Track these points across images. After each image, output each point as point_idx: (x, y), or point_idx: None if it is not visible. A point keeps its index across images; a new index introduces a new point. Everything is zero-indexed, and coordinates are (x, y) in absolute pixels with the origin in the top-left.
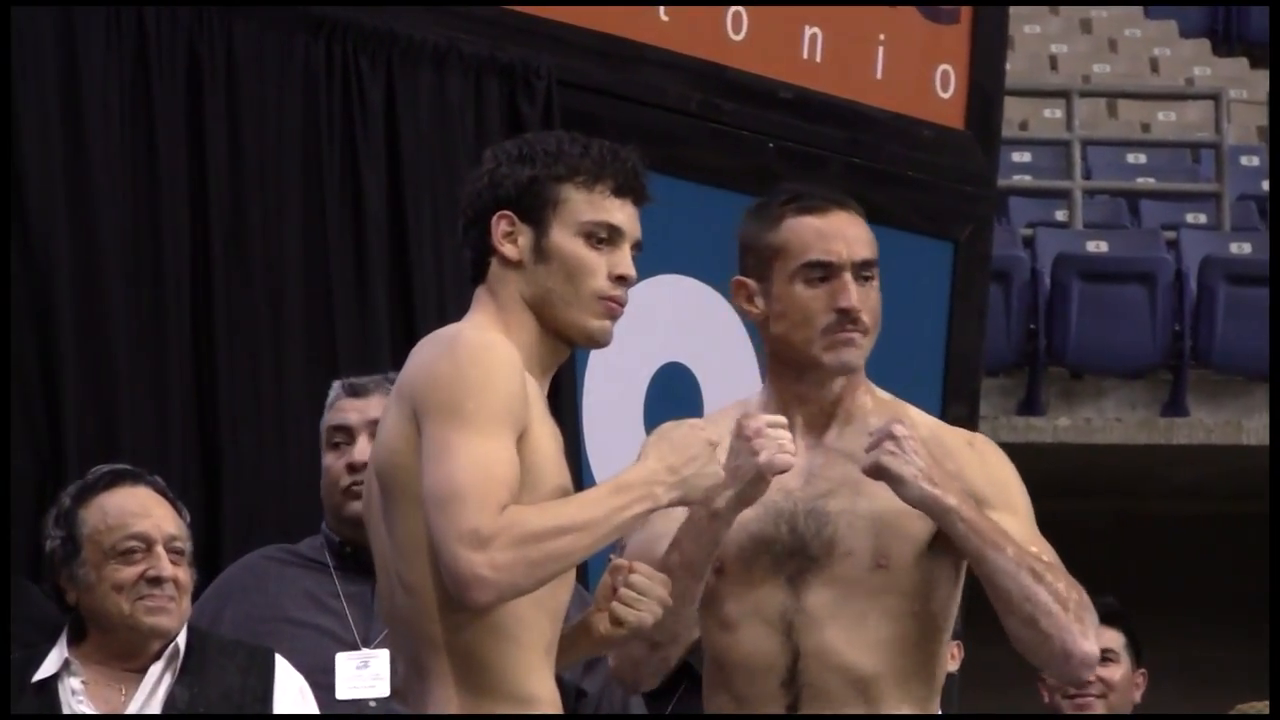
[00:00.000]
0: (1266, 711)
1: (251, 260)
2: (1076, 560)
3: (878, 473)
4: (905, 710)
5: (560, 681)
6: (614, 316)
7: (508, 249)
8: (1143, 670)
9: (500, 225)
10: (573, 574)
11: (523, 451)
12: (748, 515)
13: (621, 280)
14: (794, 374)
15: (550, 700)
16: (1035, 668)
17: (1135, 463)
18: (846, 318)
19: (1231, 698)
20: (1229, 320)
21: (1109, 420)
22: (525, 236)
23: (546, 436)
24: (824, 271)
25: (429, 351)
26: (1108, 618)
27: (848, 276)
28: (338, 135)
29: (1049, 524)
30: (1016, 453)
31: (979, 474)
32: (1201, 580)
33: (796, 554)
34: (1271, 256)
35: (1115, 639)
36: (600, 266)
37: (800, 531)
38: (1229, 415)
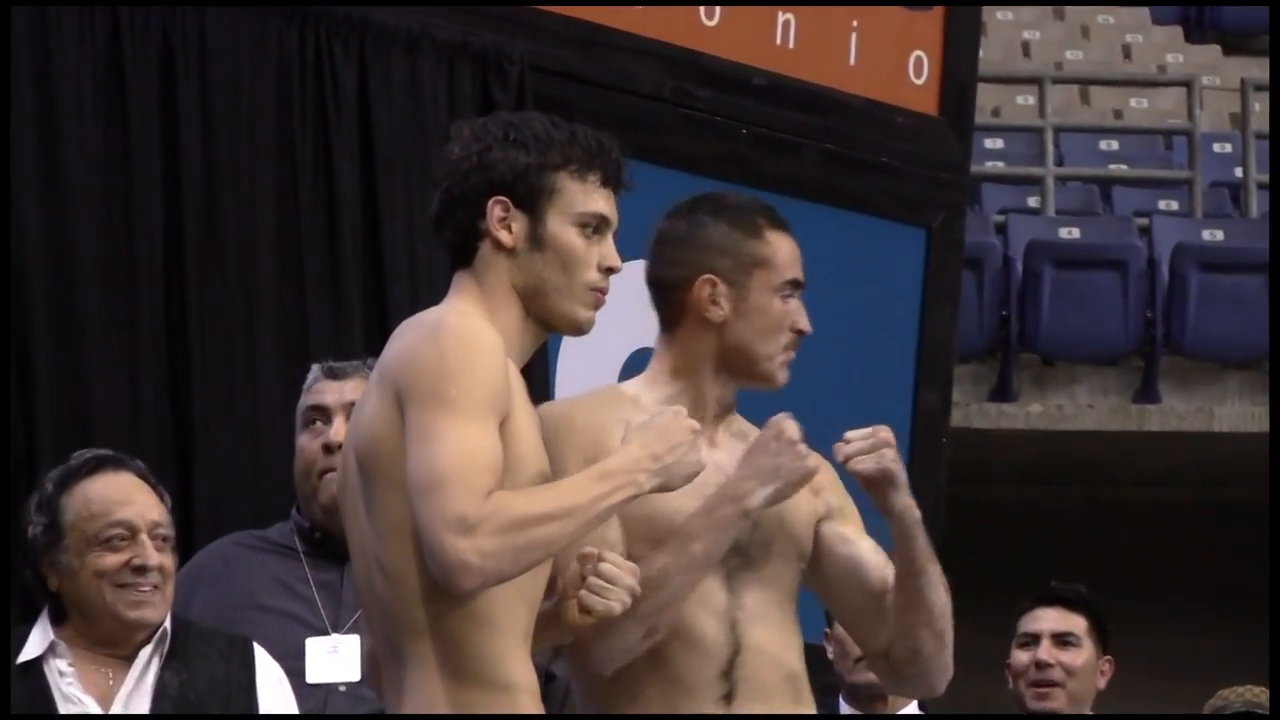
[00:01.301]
0: (1248, 697)
1: (224, 246)
2: (1048, 546)
3: (882, 477)
4: (811, 707)
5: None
6: (599, 306)
7: (503, 235)
8: (1109, 658)
9: (495, 210)
10: (550, 562)
11: (505, 438)
12: (690, 509)
13: (610, 272)
14: (725, 376)
15: (528, 686)
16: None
17: (1107, 449)
18: (799, 339)
19: (1203, 684)
20: (1201, 307)
21: (1081, 407)
22: (520, 224)
23: (527, 423)
24: (794, 291)
25: (412, 336)
26: (1073, 603)
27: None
28: (311, 122)
29: (1021, 511)
30: (989, 439)
31: (832, 483)
32: (1173, 567)
33: (737, 552)
34: (1271, 246)
35: (1079, 624)
36: (593, 258)
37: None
38: (1201, 402)
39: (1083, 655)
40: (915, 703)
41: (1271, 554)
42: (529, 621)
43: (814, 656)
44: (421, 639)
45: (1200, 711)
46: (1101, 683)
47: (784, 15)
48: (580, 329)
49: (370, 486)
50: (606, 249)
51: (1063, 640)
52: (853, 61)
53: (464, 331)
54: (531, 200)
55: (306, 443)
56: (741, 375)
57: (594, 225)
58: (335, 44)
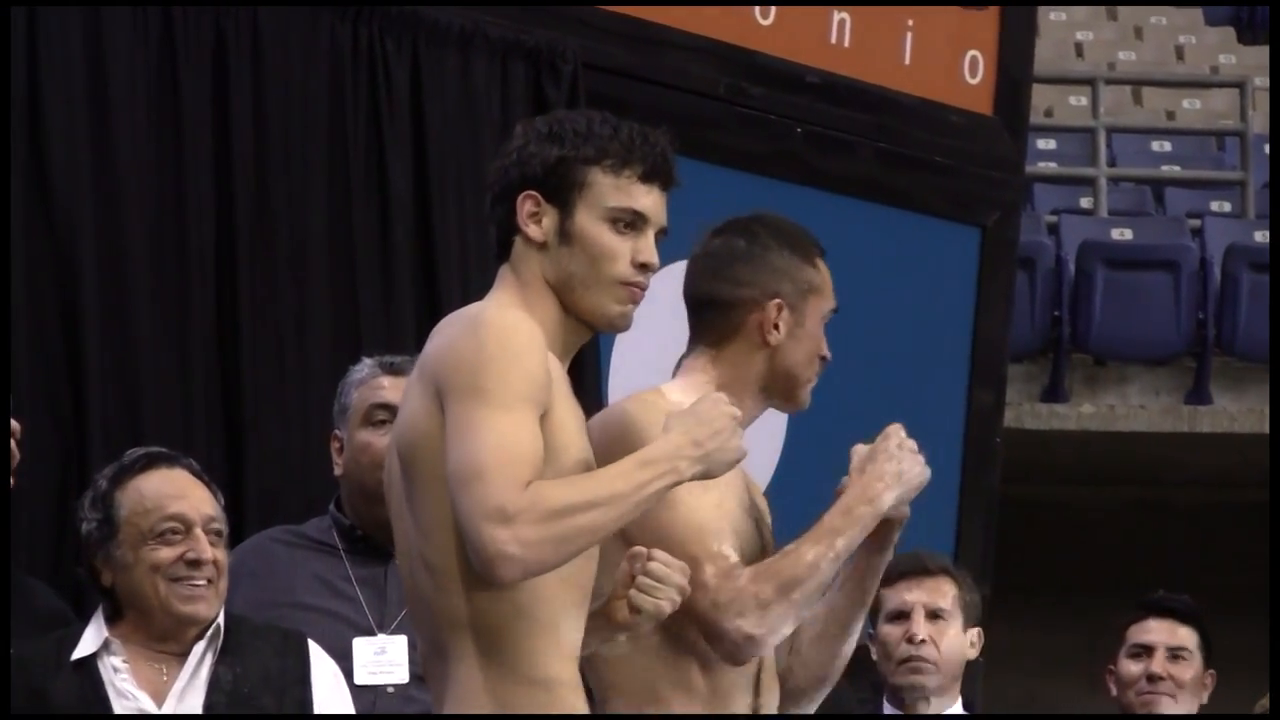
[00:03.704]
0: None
1: (276, 242)
2: (1098, 546)
3: (900, 520)
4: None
5: None
6: (635, 302)
7: (532, 229)
8: (1212, 671)
9: (526, 205)
10: (597, 551)
11: (546, 431)
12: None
13: (644, 268)
14: (764, 398)
15: (572, 683)
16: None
17: (1158, 450)
18: (824, 366)
19: (1252, 686)
20: (1253, 308)
21: (1132, 407)
22: (550, 217)
23: (569, 416)
24: (829, 319)
25: (452, 331)
26: (1184, 615)
27: None
28: (363, 118)
29: (1071, 511)
30: (1040, 439)
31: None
32: (1223, 568)
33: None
34: (1271, 245)
35: (1189, 637)
36: (624, 252)
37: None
38: (1252, 403)
39: (1191, 669)
40: (960, 703)
41: (1271, 554)
42: (577, 615)
43: (859, 656)
44: (464, 634)
45: (1252, 710)
46: (1205, 696)
47: (839, 14)
48: (613, 324)
49: (413, 482)
50: (642, 244)
51: (1175, 654)
52: (907, 60)
53: (502, 324)
54: (562, 194)
55: (375, 440)
56: (778, 397)
57: (627, 220)
58: (388, 40)
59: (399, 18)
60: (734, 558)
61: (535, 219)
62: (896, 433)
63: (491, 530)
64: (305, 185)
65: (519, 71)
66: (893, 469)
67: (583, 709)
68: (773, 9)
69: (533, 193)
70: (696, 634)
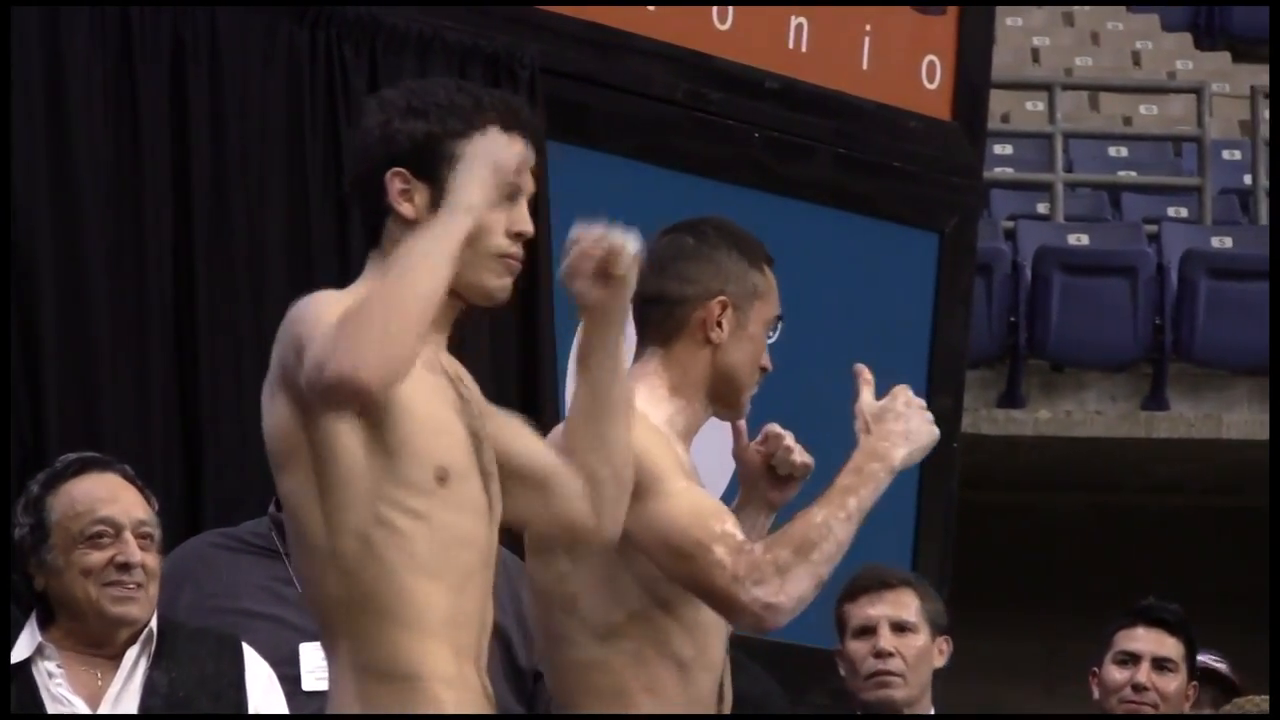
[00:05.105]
0: (1265, 707)
1: (234, 247)
2: (1055, 552)
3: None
4: None
5: (517, 667)
6: (512, 273)
7: (404, 207)
8: (1195, 683)
9: (395, 183)
10: (485, 540)
11: (388, 417)
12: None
13: (519, 236)
14: (705, 401)
15: (442, 676)
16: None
17: (1115, 456)
18: (763, 376)
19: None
20: (1210, 314)
21: (1089, 413)
22: (421, 194)
23: (422, 396)
24: (776, 327)
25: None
26: (1173, 626)
27: None
28: (321, 123)
29: (1028, 516)
30: (997, 445)
31: None
32: (1180, 574)
33: None
34: (1271, 253)
35: (1176, 649)
36: (498, 224)
37: None
38: (1209, 409)
39: (1176, 681)
40: (933, 712)
41: (1271, 559)
42: (449, 610)
43: (815, 662)
44: (329, 636)
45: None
46: (1187, 707)
47: (797, 18)
48: (492, 297)
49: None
50: (516, 214)
51: (1161, 665)
52: (866, 65)
53: (317, 300)
54: (431, 169)
55: None
56: (720, 402)
57: (501, 190)
58: (346, 45)
59: (357, 22)
60: (739, 534)
61: (406, 196)
62: (904, 392)
63: None
64: (263, 192)
65: (477, 76)
66: (900, 428)
67: (453, 705)
68: (730, 11)
69: (401, 170)
70: (680, 640)
